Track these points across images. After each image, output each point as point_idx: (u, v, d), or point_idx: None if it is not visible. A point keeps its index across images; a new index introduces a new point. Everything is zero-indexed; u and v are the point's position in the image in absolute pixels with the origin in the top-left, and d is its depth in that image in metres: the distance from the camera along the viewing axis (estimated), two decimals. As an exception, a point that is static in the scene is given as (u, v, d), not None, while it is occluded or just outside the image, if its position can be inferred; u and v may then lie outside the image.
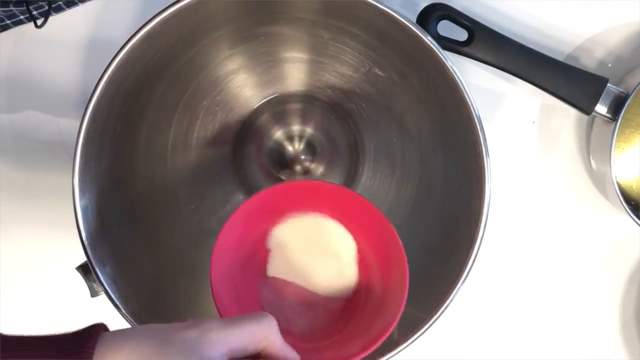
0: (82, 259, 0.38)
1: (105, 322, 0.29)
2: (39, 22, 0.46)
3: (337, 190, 0.41)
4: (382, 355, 0.38)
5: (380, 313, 0.37)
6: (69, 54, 0.49)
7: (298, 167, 0.52)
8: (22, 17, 0.48)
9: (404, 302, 0.35)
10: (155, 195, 0.46)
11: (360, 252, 0.41)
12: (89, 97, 0.37)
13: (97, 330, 0.27)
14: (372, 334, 0.35)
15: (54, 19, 0.49)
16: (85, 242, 0.38)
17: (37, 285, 0.51)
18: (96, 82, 0.36)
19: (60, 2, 0.48)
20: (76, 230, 0.38)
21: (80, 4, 0.49)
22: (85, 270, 0.39)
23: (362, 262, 0.41)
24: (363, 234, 0.41)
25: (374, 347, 0.34)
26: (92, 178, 0.38)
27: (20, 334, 0.27)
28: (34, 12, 0.47)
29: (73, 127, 0.37)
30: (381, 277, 0.39)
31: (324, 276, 0.41)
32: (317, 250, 0.41)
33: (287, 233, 0.41)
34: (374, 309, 0.38)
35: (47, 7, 0.45)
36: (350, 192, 0.41)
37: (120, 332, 0.28)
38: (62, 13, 0.49)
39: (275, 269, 0.41)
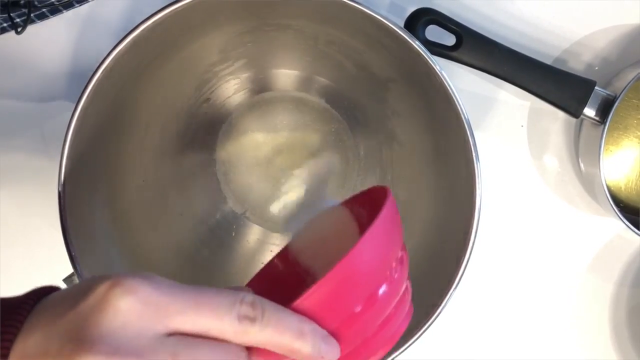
0: (69, 270, 0.38)
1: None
2: (20, 29, 0.45)
3: None
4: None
5: None
6: (53, 62, 0.48)
7: (288, 171, 0.51)
8: (5, 24, 0.47)
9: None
10: (144, 203, 0.45)
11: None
12: (74, 105, 0.36)
13: (35, 295, 0.23)
14: None
15: (38, 26, 0.48)
16: (73, 254, 0.37)
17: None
18: (81, 90, 0.36)
19: (44, 10, 0.47)
20: (63, 242, 0.37)
21: (64, 10, 0.48)
22: (72, 282, 0.38)
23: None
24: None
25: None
26: (78, 188, 0.38)
27: None
28: (17, 20, 0.46)
29: (58, 136, 0.37)
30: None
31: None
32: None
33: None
34: None
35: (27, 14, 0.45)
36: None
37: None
38: (46, 20, 0.48)
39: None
